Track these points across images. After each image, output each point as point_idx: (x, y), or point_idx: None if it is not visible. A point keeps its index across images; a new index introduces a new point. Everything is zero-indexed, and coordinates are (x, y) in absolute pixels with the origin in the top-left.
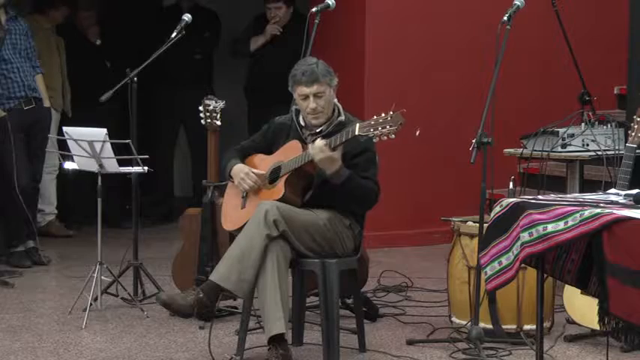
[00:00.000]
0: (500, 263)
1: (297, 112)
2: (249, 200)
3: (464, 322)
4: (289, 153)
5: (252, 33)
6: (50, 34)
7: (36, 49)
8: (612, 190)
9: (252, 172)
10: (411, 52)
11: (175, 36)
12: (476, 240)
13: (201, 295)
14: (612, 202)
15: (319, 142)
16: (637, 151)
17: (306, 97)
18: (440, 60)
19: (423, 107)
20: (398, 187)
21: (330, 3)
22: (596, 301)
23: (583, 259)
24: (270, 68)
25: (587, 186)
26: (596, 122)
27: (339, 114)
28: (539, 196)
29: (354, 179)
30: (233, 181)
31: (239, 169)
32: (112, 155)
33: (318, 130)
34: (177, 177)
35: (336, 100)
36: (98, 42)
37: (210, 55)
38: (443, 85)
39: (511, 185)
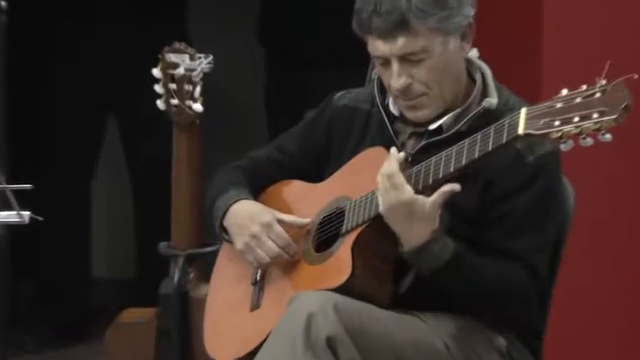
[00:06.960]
0: None
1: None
2: (269, 287)
3: None
4: (365, 179)
5: None
6: None
7: None
8: None
9: (280, 219)
10: None
11: None
12: None
13: None
14: None
15: (396, 154)
16: None
17: (385, 60)
18: None
19: None
20: (603, 256)
21: None
22: None
23: None
24: None
25: None
26: None
27: (486, 93)
28: None
29: (465, 264)
30: (231, 242)
31: (247, 213)
32: None
33: (432, 128)
34: (100, 235)
35: (477, 59)
36: None
37: None
38: None
39: None
